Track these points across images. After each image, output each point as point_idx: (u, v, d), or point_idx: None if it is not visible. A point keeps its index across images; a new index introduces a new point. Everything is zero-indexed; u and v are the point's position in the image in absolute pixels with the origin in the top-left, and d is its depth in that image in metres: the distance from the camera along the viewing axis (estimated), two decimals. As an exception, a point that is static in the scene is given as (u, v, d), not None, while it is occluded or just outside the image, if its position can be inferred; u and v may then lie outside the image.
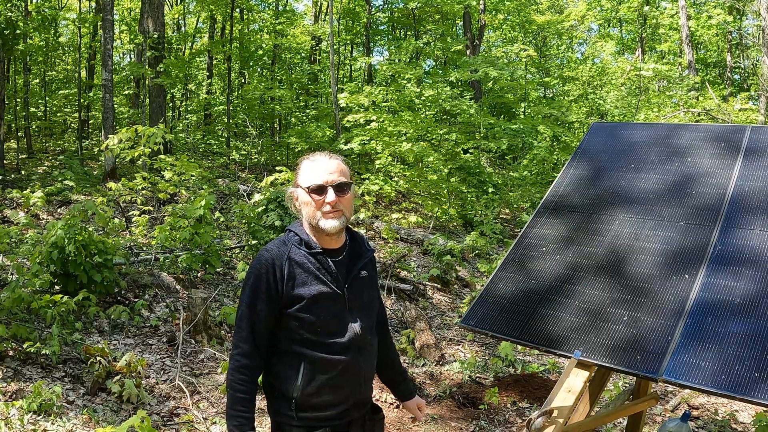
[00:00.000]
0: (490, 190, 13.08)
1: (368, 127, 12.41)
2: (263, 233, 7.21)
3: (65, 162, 14.23)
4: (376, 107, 13.70)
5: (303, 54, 22.50)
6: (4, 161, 13.19)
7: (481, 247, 10.13)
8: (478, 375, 5.54)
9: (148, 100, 13.60)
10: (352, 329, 1.99)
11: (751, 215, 3.02)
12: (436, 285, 8.09)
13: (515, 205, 13.64)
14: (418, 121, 12.96)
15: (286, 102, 16.51)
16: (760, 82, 15.09)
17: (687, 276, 2.86)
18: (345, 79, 22.97)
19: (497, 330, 2.99)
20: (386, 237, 10.07)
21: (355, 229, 2.18)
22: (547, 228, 3.45)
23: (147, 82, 13.39)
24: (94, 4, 18.17)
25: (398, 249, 8.86)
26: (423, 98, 14.00)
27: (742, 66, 23.37)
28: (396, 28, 21.88)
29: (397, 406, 4.64)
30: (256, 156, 15.79)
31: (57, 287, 5.55)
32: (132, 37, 20.62)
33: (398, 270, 7.84)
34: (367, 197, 11.92)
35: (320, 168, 1.96)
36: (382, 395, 4.73)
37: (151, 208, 9.27)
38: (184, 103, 22.11)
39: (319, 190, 1.94)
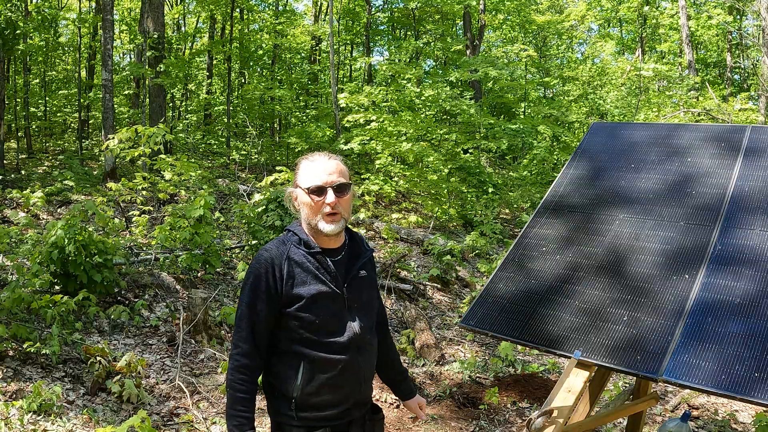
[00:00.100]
0: (490, 190, 13.09)
1: (368, 127, 12.42)
2: (263, 233, 7.21)
3: (65, 162, 14.24)
4: (376, 107, 13.70)
5: (303, 54, 22.50)
6: (4, 161, 13.19)
7: (481, 247, 10.13)
8: (478, 375, 5.54)
9: (148, 100, 13.61)
10: (352, 328, 1.99)
11: (751, 215, 3.02)
12: (436, 285, 8.09)
13: (515, 205, 13.64)
14: (418, 121, 12.96)
15: (286, 102, 16.51)
16: (760, 82, 15.10)
17: (687, 276, 2.86)
18: (345, 79, 22.98)
19: (497, 330, 2.99)
20: (386, 237, 10.07)
21: (355, 229, 2.18)
22: (547, 228, 3.45)
23: (147, 82, 13.39)
24: (94, 4, 18.18)
25: (398, 249, 8.86)
26: (423, 98, 14.00)
27: (742, 66, 23.38)
28: (396, 28, 21.88)
29: (398, 406, 4.64)
30: (256, 156, 15.79)
31: (57, 287, 5.55)
32: (132, 37, 20.62)
33: (398, 270, 7.84)
34: (367, 197, 11.92)
35: (319, 169, 1.96)
36: (382, 395, 4.74)
37: (151, 208, 9.27)
38: (184, 103, 22.11)
39: (319, 191, 1.94)
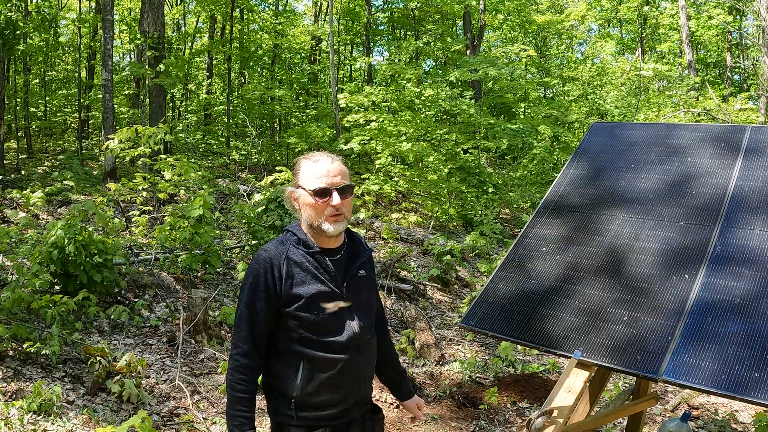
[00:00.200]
0: (490, 190, 13.09)
1: (368, 127, 12.42)
2: (263, 233, 7.21)
3: (65, 162, 14.24)
4: (376, 107, 13.70)
5: (303, 54, 22.50)
6: (4, 161, 13.19)
7: (481, 247, 10.13)
8: (478, 375, 5.54)
9: (148, 100, 13.60)
10: (351, 328, 1.99)
11: (751, 215, 3.02)
12: (436, 285, 8.09)
13: (515, 205, 13.64)
14: (418, 121, 12.96)
15: (286, 102, 16.51)
16: (760, 82, 15.09)
17: (687, 276, 2.86)
18: (345, 79, 22.98)
19: (497, 330, 2.99)
20: (386, 237, 10.07)
21: (354, 230, 2.18)
22: (547, 228, 3.45)
23: (147, 82, 13.39)
24: (94, 4, 18.18)
25: (398, 249, 8.86)
26: (423, 98, 14.00)
27: (742, 66, 23.37)
28: (396, 28, 21.88)
29: (397, 406, 4.64)
30: (256, 156, 15.79)
31: (57, 287, 5.54)
32: (132, 37, 20.62)
33: (398, 270, 7.84)
34: (367, 197, 11.92)
35: (324, 170, 1.96)
36: (382, 395, 4.73)
37: (151, 208, 9.27)
38: (184, 103, 22.10)
39: (324, 192, 1.94)
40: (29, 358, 4.47)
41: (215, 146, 18.27)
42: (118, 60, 22.27)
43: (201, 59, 20.65)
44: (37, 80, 19.28)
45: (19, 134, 17.20)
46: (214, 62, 20.59)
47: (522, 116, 19.79)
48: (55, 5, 17.58)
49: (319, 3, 22.19)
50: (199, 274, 6.97)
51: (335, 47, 18.34)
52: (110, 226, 6.96)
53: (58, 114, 19.97)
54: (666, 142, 3.68)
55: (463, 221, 12.60)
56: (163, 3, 13.90)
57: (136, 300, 5.92)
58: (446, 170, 12.41)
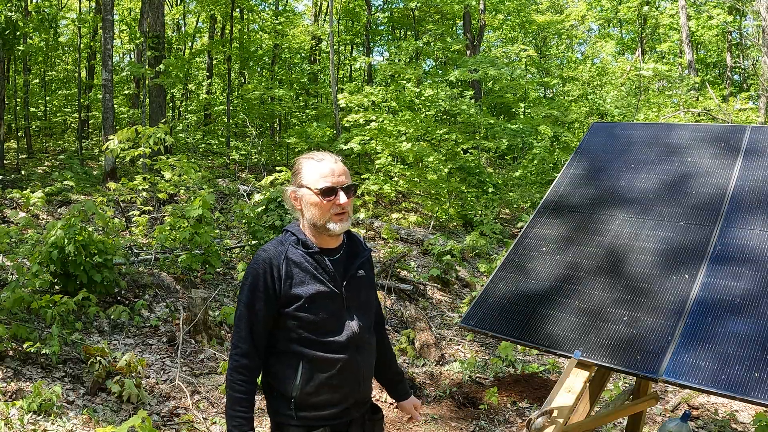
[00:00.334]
0: (490, 190, 13.08)
1: (368, 127, 12.42)
2: (263, 233, 7.21)
3: (65, 162, 14.24)
4: (376, 107, 13.70)
5: (303, 54, 22.50)
6: (4, 161, 13.19)
7: (481, 247, 10.13)
8: (478, 375, 5.54)
9: (148, 100, 13.60)
10: (350, 328, 1.99)
11: (751, 215, 3.02)
12: (436, 285, 8.09)
13: (515, 205, 13.64)
14: (418, 121, 12.96)
15: (286, 102, 16.50)
16: (760, 82, 15.09)
17: (687, 276, 2.86)
18: (345, 79, 22.98)
19: (497, 330, 2.99)
20: (386, 237, 10.07)
21: (354, 230, 2.18)
22: (547, 228, 3.45)
23: (147, 82, 13.39)
24: (94, 4, 18.18)
25: (398, 249, 8.86)
26: (423, 98, 14.00)
27: (742, 66, 23.37)
28: (396, 28, 21.88)
29: (397, 406, 4.63)
30: (256, 156, 15.79)
31: (57, 287, 5.54)
32: (132, 37, 20.62)
33: (398, 270, 7.84)
34: (367, 197, 11.92)
35: (329, 169, 1.96)
36: (381, 395, 4.73)
37: (151, 208, 9.27)
38: (184, 103, 22.10)
39: (330, 191, 1.94)
40: (29, 358, 4.47)
41: (215, 146, 18.27)
42: (118, 60, 22.27)
43: (201, 59, 20.65)
44: (37, 80, 19.28)
45: (19, 134, 17.21)
46: (214, 62, 20.59)
47: (522, 116, 19.79)
48: (55, 5, 17.59)
49: (319, 3, 22.19)
50: (199, 274, 6.97)
51: (335, 47, 18.34)
52: (110, 226, 6.95)
53: (58, 114, 19.97)
54: (666, 142, 3.68)
55: (463, 221, 12.60)
56: (163, 3, 13.90)
57: (136, 300, 5.92)
58: (446, 170, 12.41)
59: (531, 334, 2.89)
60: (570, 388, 2.68)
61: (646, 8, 21.00)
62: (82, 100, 16.87)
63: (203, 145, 17.97)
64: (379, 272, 7.48)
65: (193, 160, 11.78)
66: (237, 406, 1.92)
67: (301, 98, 19.57)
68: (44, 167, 14.17)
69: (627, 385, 5.21)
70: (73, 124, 20.18)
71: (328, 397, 1.96)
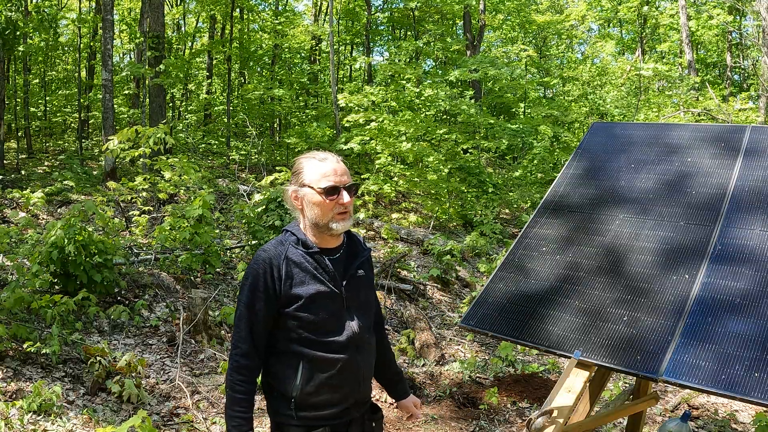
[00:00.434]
0: (490, 190, 13.08)
1: (368, 127, 12.42)
2: (263, 233, 7.21)
3: (65, 162, 14.24)
4: (376, 107, 13.70)
5: (303, 54, 22.50)
6: (4, 161, 13.19)
7: (481, 247, 10.13)
8: (478, 375, 5.54)
9: (148, 100, 13.60)
10: (350, 328, 1.99)
11: (751, 215, 3.02)
12: (436, 285, 8.09)
13: (515, 205, 13.64)
14: (418, 121, 12.97)
15: (286, 102, 16.50)
16: (760, 82, 15.10)
17: (687, 276, 2.86)
18: (345, 79, 22.98)
19: (497, 330, 2.99)
20: (386, 237, 10.07)
21: (354, 230, 2.18)
22: (547, 228, 3.45)
23: (147, 82, 13.38)
24: (94, 4, 18.18)
25: (398, 249, 8.86)
26: (423, 98, 14.00)
27: (742, 66, 23.37)
28: (396, 28, 21.88)
29: (397, 407, 4.64)
30: (256, 156, 15.79)
31: (57, 287, 5.54)
32: (132, 37, 20.62)
33: (398, 270, 7.84)
34: (367, 197, 11.92)
35: (331, 169, 1.97)
36: (382, 395, 4.73)
37: (151, 208, 9.27)
38: (184, 103, 22.11)
39: (333, 191, 1.94)
40: (29, 358, 4.47)
41: (215, 146, 18.27)
42: (118, 60, 22.27)
43: (201, 59, 20.65)
44: (37, 80, 19.29)
45: (19, 134, 17.21)
46: (214, 62, 20.59)
47: (522, 116, 19.79)
48: (55, 5, 17.59)
49: (319, 3, 22.19)
50: (199, 274, 6.97)
51: (335, 47, 18.34)
52: (110, 226, 6.96)
53: (58, 114, 19.98)
54: (666, 142, 3.68)
55: (463, 221, 12.60)
56: (163, 3, 13.90)
57: (136, 300, 5.92)
58: (446, 170, 12.41)
59: (531, 334, 2.89)
60: (570, 388, 2.68)
61: (646, 8, 21.00)
62: (82, 100, 16.87)
63: (203, 145, 17.97)
64: (379, 272, 7.48)
65: (193, 160, 11.78)
66: (236, 406, 1.92)
67: (301, 98, 19.57)
68: (44, 167, 14.17)
69: (627, 385, 5.21)
70: (73, 124, 20.18)
71: (328, 397, 1.96)
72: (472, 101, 14.47)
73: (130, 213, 8.84)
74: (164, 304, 6.05)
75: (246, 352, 1.93)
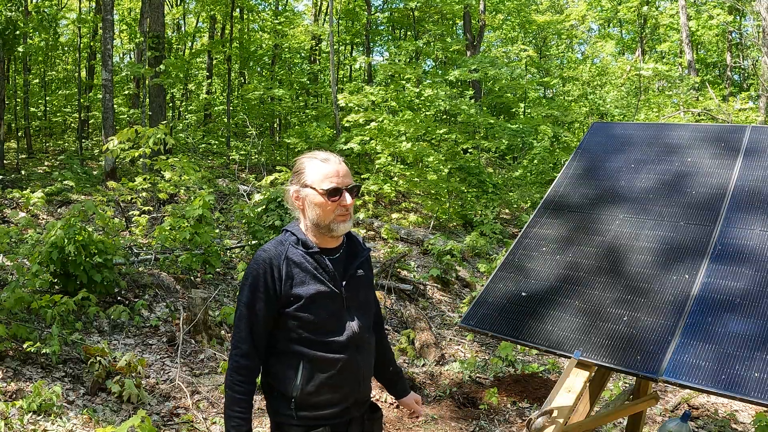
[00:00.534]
0: (490, 190, 13.08)
1: (368, 127, 12.42)
2: (263, 233, 7.21)
3: (65, 162, 14.24)
4: (376, 107, 13.70)
5: (303, 54, 22.50)
6: (4, 161, 13.19)
7: (481, 247, 10.13)
8: (478, 375, 5.54)
9: (148, 100, 13.60)
10: (350, 328, 1.99)
11: (751, 215, 3.02)
12: (436, 285, 8.09)
13: (515, 205, 13.64)
14: (418, 120, 12.97)
15: (286, 102, 16.50)
16: (760, 82, 15.10)
17: (687, 276, 2.86)
18: (345, 79, 22.97)
19: (497, 330, 2.99)
20: (386, 237, 10.07)
21: (353, 230, 2.18)
22: (547, 228, 3.45)
23: (147, 82, 13.39)
24: (94, 4, 18.18)
25: (398, 249, 8.86)
26: (422, 98, 14.00)
27: (742, 66, 23.37)
28: (396, 28, 21.88)
29: (397, 406, 4.64)
30: (256, 156, 15.79)
31: (57, 287, 5.54)
32: (132, 37, 20.62)
33: (398, 270, 7.84)
34: (367, 197, 11.92)
35: (334, 170, 1.96)
36: (382, 395, 4.73)
37: (151, 208, 9.27)
38: (184, 103, 22.10)
39: (335, 192, 1.94)
40: (29, 358, 4.47)
41: (215, 146, 18.28)
42: (118, 60, 22.27)
43: (201, 59, 20.65)
44: (37, 80, 19.29)
45: (19, 134, 17.22)
46: (214, 62, 20.59)
47: (522, 116, 19.79)
48: (55, 5, 17.59)
49: (319, 3, 22.19)
50: (199, 274, 6.97)
51: (335, 47, 18.34)
52: (110, 226, 6.96)
53: (58, 114, 19.98)
54: (666, 142, 3.68)
55: (463, 221, 12.61)
56: (163, 3, 13.90)
57: (136, 300, 5.92)
58: (446, 170, 12.41)
59: (531, 334, 2.89)
60: (570, 388, 2.68)
61: (646, 8, 21.00)
62: (82, 100, 16.87)
63: (203, 145, 17.97)
64: (379, 272, 7.48)
65: (193, 160, 11.78)
66: (236, 406, 1.92)
67: (301, 98, 19.58)
68: (44, 167, 14.17)
69: (627, 385, 5.21)
70: (73, 124, 20.18)
71: (329, 396, 1.96)
72: (472, 101, 14.48)
73: (130, 213, 8.84)
74: (164, 304, 6.05)
75: (246, 352, 1.93)
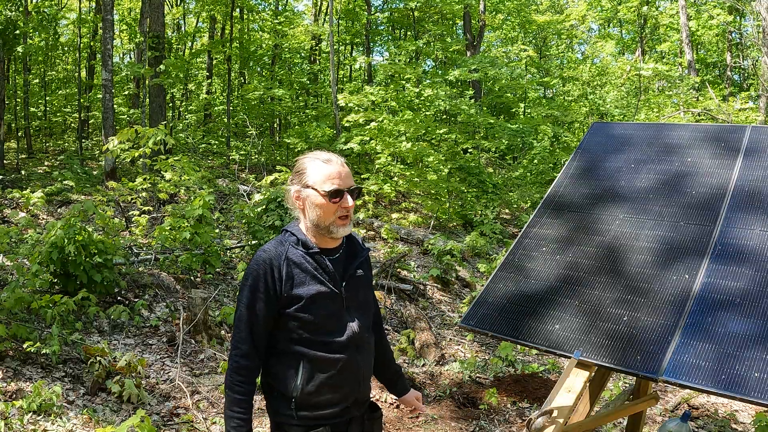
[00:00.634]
0: (490, 190, 13.09)
1: (368, 127, 12.42)
2: (263, 233, 7.21)
3: (65, 162, 14.24)
4: (376, 107, 13.71)
5: (303, 54, 22.50)
6: (4, 161, 13.19)
7: (481, 247, 10.13)
8: (478, 375, 5.54)
9: (148, 100, 13.60)
10: (350, 328, 2.00)
11: (751, 215, 3.02)
12: (436, 285, 8.09)
13: (515, 205, 13.65)
14: (418, 120, 12.98)
15: (286, 102, 16.50)
16: (760, 82, 15.10)
17: (687, 276, 2.86)
18: (345, 79, 22.98)
19: (497, 330, 2.99)
20: (386, 237, 10.07)
21: (353, 230, 2.18)
22: (547, 228, 3.45)
23: (147, 82, 13.39)
24: (94, 4, 18.18)
25: (398, 249, 8.86)
26: (422, 98, 14.00)
27: (742, 66, 23.37)
28: (396, 28, 21.88)
29: (397, 406, 4.64)
30: (256, 156, 15.79)
31: (57, 287, 5.54)
32: (132, 37, 20.62)
33: (398, 270, 7.84)
34: (367, 197, 11.92)
35: (336, 172, 1.96)
36: (382, 395, 4.73)
37: (151, 208, 9.27)
38: (184, 103, 22.11)
39: (337, 194, 1.94)
40: (29, 358, 4.47)
41: (215, 146, 18.28)
42: (118, 60, 22.27)
43: (201, 59, 20.65)
44: (37, 80, 19.29)
45: (19, 134, 17.22)
46: (214, 62, 20.59)
47: (522, 116, 19.79)
48: (55, 5, 17.59)
49: (319, 3, 22.18)
50: (199, 274, 6.97)
51: (335, 47, 18.34)
52: (110, 226, 6.96)
53: (58, 114, 19.98)
54: (666, 142, 3.68)
55: (463, 221, 12.61)
56: (163, 3, 13.90)
57: (136, 300, 5.92)
58: (446, 170, 12.42)
59: (531, 334, 2.89)
60: (570, 388, 2.68)
61: (645, 8, 21.00)
62: (82, 100, 16.87)
63: (203, 145, 17.97)
64: (379, 272, 7.48)
65: (193, 160, 11.78)
66: (236, 406, 1.92)
67: (301, 98, 19.58)
68: (44, 167, 14.17)
69: (627, 385, 5.21)
70: (73, 124, 20.18)
71: (329, 396, 1.96)
72: (472, 101, 14.48)
73: (130, 213, 8.84)
74: (164, 304, 6.05)
75: (246, 352, 1.93)
